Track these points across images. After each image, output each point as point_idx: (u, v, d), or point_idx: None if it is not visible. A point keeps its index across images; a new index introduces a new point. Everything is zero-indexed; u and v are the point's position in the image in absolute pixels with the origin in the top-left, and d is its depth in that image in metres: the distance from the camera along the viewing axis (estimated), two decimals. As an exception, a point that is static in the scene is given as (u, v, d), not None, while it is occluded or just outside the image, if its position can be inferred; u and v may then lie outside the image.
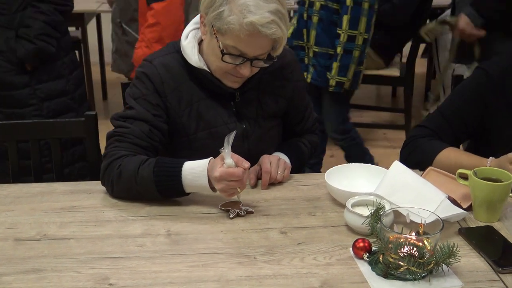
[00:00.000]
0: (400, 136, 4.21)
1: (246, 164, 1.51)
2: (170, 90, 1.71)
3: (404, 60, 4.11)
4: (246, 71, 1.63)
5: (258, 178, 1.77)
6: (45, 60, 2.62)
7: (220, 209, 1.60)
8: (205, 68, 1.70)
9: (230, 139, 1.45)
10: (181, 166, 1.56)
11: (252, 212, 1.59)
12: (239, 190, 1.52)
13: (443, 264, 1.29)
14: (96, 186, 1.73)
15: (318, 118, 2.07)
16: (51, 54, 2.60)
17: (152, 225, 1.55)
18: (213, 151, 1.53)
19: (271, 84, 1.81)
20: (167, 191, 1.58)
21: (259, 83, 1.78)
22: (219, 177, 1.50)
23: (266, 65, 1.68)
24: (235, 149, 1.52)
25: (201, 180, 1.53)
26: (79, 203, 1.67)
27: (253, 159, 1.76)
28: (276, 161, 1.75)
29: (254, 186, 1.74)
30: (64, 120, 1.99)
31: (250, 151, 1.79)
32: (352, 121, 4.37)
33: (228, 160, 1.47)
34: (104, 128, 1.88)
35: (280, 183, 1.78)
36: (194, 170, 1.55)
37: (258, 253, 1.41)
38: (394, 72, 4.00)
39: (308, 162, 2.04)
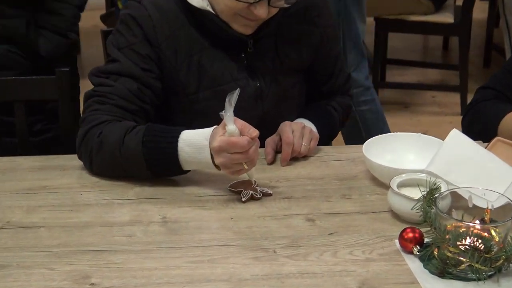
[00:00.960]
0: (453, 100, 4.21)
1: (254, 132, 1.49)
2: (164, 38, 1.70)
3: (460, 2, 4.08)
4: (263, 11, 1.62)
5: (277, 151, 1.75)
6: None
7: (229, 190, 1.59)
8: (209, 8, 1.68)
9: (233, 99, 1.44)
10: (178, 136, 1.54)
11: (270, 194, 1.58)
12: (245, 167, 1.51)
13: (516, 261, 1.27)
14: (72, 160, 1.73)
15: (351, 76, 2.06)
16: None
17: (143, 210, 1.54)
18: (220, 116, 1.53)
19: (292, 30, 1.79)
20: (159, 167, 1.56)
21: (278, 28, 1.76)
22: (218, 147, 1.48)
23: (288, 5, 1.66)
24: (245, 113, 1.50)
25: (202, 154, 1.52)
26: (50, 183, 1.66)
27: (270, 127, 1.75)
28: (300, 130, 1.73)
29: (272, 162, 1.73)
30: (30, 78, 1.99)
31: (266, 117, 1.77)
32: (393, 81, 4.31)
33: (230, 126, 1.46)
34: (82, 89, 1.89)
35: (305, 157, 1.76)
36: (193, 141, 1.53)
37: (279, 246, 1.40)
38: (447, 18, 3.98)
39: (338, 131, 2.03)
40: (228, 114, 1.45)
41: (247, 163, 1.51)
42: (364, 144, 1.67)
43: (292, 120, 1.81)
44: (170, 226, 1.48)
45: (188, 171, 1.61)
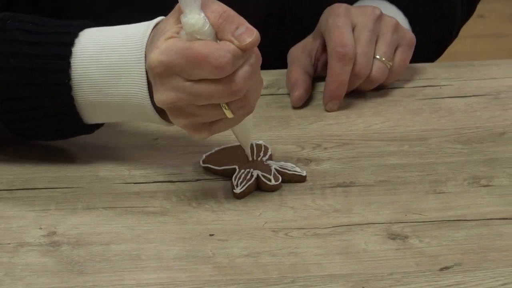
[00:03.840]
0: None
1: (247, 33, 0.84)
2: None
3: None
4: None
5: (317, 77, 1.05)
6: None
7: (204, 169, 0.91)
8: None
9: None
10: (74, 36, 0.89)
11: (301, 178, 0.87)
12: (228, 115, 0.85)
13: None
14: None
15: None
16: None
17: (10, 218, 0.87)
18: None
19: None
20: (26, 117, 0.91)
21: None
22: (163, 64, 0.85)
23: None
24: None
25: (128, 79, 0.87)
26: None
27: (294, 23, 1.10)
28: (371, 25, 1.02)
29: (301, 102, 1.02)
30: None
31: (287, 4, 1.11)
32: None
33: (193, 15, 0.84)
34: None
35: (381, 90, 1.02)
36: (107, 52, 0.89)
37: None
38: None
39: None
40: None
41: (230, 106, 0.83)
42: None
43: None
44: (65, 252, 0.81)
45: (96, 126, 0.91)
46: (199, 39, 0.78)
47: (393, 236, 0.75)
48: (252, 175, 0.82)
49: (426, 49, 1.11)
